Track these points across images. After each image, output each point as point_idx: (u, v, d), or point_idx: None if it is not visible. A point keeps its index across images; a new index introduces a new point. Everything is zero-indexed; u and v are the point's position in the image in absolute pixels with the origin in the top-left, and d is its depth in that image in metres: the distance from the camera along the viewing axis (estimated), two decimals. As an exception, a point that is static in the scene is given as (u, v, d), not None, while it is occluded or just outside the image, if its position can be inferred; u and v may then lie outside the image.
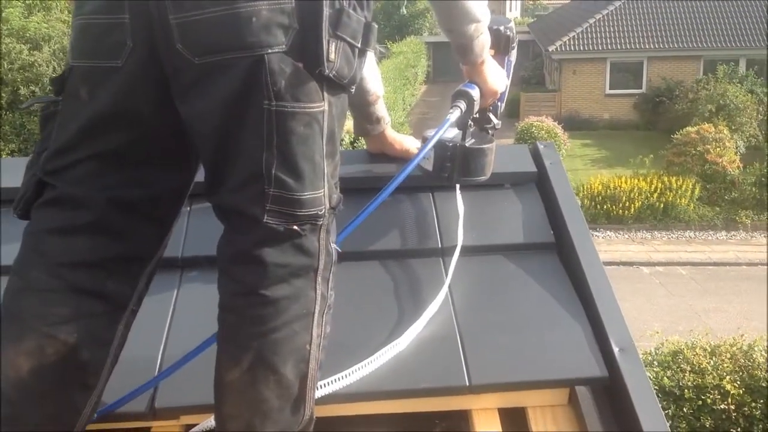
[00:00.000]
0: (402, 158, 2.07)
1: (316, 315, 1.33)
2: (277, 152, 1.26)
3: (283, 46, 1.23)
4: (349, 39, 1.31)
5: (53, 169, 1.34)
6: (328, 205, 1.34)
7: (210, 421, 1.48)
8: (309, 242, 1.32)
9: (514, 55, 2.08)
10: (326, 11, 1.26)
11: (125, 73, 1.28)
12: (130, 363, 1.59)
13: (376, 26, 1.38)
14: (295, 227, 1.30)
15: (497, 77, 1.92)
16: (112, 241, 1.35)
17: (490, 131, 2.05)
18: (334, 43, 1.28)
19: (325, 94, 1.29)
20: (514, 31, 2.03)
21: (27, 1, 15.02)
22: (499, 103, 2.06)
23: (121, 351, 1.41)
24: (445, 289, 1.79)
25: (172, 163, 1.41)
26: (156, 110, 1.33)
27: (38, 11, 14.96)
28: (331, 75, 1.28)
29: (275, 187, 1.27)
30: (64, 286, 1.31)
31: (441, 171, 1.91)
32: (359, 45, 1.34)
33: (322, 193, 1.32)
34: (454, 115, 1.83)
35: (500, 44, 2.00)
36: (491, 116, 2.04)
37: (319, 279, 1.34)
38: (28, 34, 14.02)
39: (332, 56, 1.27)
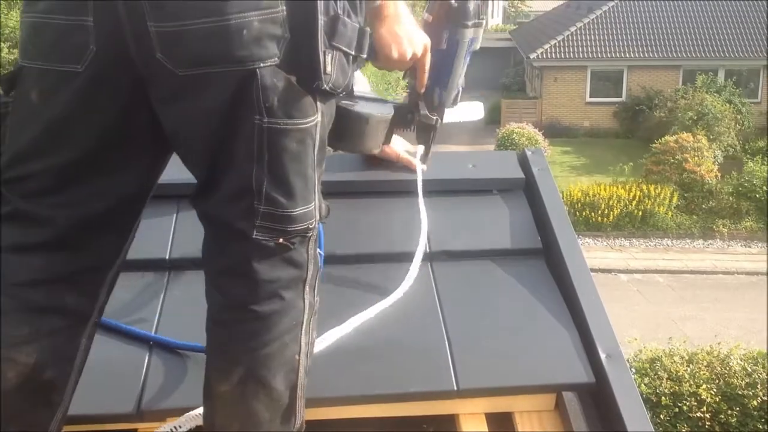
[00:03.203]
0: (397, 162, 2.07)
1: (305, 324, 1.32)
2: (267, 169, 1.21)
3: (276, 59, 1.16)
4: (344, 48, 1.25)
5: (8, 179, 1.24)
6: (318, 217, 1.32)
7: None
8: (298, 254, 1.30)
9: (467, 35, 1.69)
10: (321, 20, 1.19)
11: (86, 78, 1.17)
12: (116, 364, 1.59)
13: (369, 31, 1.33)
14: (285, 242, 1.27)
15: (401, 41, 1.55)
16: (70, 256, 1.27)
17: (413, 119, 1.78)
18: (330, 54, 1.21)
19: (318, 105, 1.24)
20: (479, 9, 1.67)
21: (6, -1, 14.84)
22: (437, 90, 1.75)
23: (86, 362, 1.34)
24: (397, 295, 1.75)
25: (134, 169, 1.31)
26: (120, 116, 1.23)
27: (18, 9, 14.80)
28: (327, 88, 1.23)
29: (266, 204, 1.23)
30: (22, 306, 1.23)
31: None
32: (353, 52, 1.28)
33: (312, 206, 1.29)
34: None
35: (444, 11, 1.67)
36: (420, 103, 1.74)
37: (307, 288, 1.32)
38: (6, 32, 13.86)
39: (329, 69, 1.21)
